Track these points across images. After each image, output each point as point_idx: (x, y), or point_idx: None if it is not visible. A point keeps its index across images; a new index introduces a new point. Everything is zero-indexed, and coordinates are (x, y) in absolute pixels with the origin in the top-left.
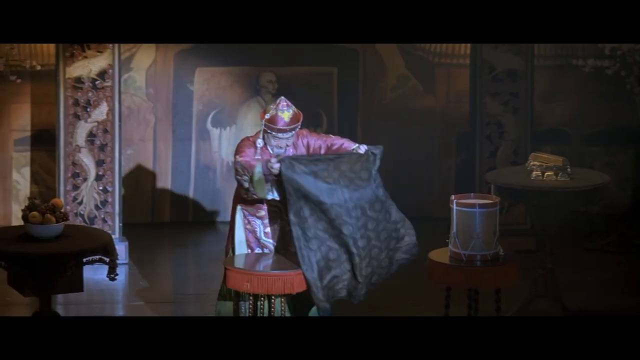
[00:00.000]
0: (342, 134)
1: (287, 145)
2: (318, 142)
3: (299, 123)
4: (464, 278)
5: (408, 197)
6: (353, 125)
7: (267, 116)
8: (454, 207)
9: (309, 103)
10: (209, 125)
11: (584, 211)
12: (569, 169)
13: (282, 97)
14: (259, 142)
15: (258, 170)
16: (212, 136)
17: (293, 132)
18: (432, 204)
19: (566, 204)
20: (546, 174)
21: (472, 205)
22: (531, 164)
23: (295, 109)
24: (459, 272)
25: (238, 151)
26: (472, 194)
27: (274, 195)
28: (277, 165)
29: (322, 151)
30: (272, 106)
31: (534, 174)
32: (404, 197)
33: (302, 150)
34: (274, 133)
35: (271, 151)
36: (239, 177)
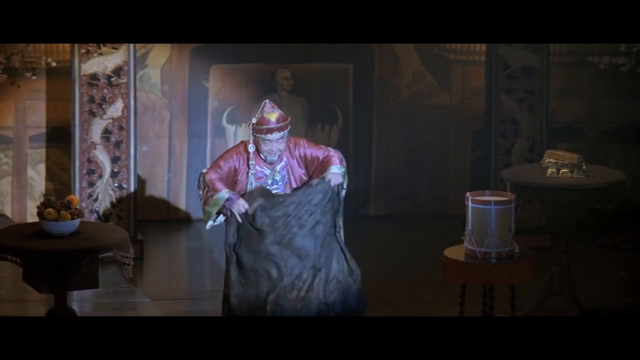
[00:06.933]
0: (357, 131)
1: (280, 151)
2: (315, 153)
3: (287, 123)
4: (479, 275)
5: (423, 194)
6: (368, 122)
7: (253, 120)
8: (469, 204)
9: (324, 100)
10: (224, 122)
11: (599, 208)
12: (584, 166)
13: (267, 100)
14: (251, 147)
15: (222, 196)
16: (228, 133)
17: (282, 133)
18: (447, 201)
19: (581, 201)
20: (561, 171)
21: (488, 203)
22: (546, 161)
23: (281, 111)
24: (474, 270)
25: (215, 161)
26: (487, 191)
27: (212, 224)
28: (241, 211)
29: (318, 163)
30: (258, 111)
31: (549, 171)
32: (418, 195)
33: (297, 161)
34: (262, 136)
35: (264, 158)
36: (199, 191)
